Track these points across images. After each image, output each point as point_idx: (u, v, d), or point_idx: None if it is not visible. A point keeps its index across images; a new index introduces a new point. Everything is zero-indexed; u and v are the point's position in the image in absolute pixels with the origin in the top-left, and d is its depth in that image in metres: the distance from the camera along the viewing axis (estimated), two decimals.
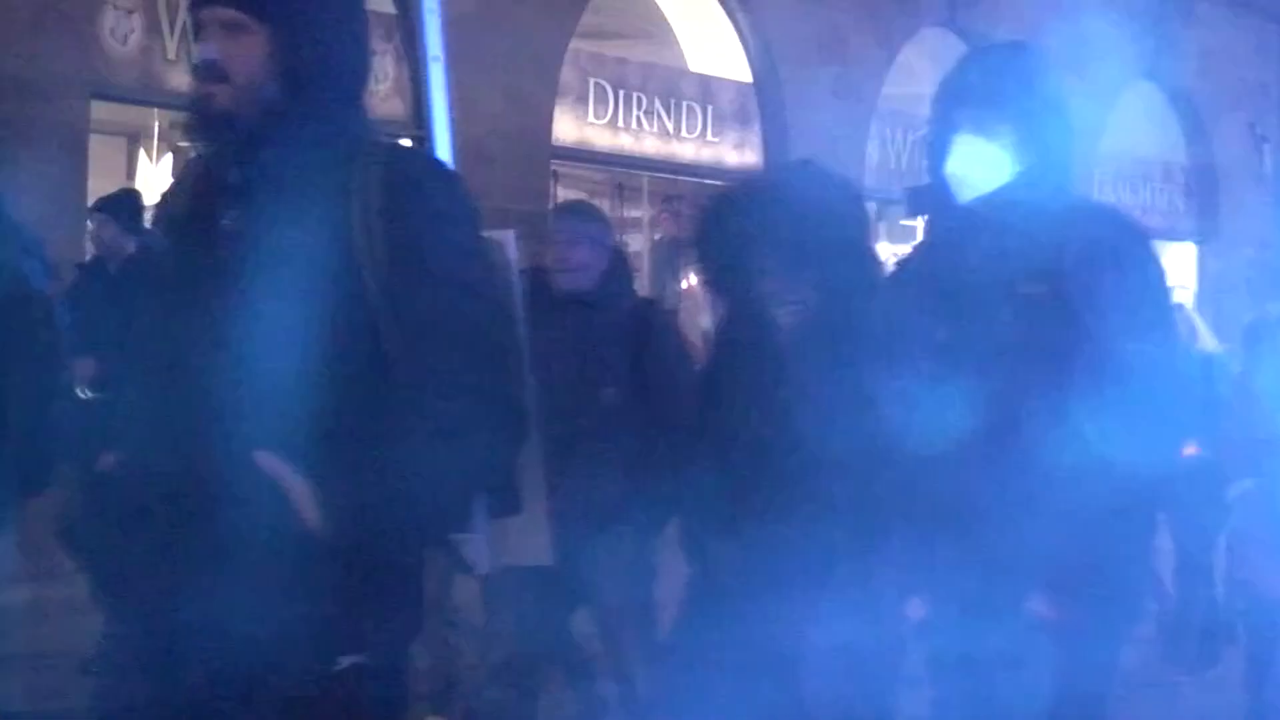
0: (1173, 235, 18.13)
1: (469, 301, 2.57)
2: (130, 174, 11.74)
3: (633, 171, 13.66)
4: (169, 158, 11.60)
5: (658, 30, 13.63)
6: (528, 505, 2.83)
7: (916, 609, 3.52)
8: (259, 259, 2.52)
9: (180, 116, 11.77)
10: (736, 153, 13.36)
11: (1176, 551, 8.18)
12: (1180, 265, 18.16)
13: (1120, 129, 17.09)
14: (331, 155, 2.58)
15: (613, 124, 12.87)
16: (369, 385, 2.53)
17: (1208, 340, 8.32)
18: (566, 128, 12.43)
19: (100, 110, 10.26)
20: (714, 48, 13.70)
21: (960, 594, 3.38)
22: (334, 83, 2.61)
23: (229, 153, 2.59)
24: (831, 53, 13.67)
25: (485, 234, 2.73)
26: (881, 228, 16.17)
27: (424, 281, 2.54)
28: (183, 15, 10.31)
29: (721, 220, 3.79)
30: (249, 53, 2.55)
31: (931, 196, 3.58)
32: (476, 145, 11.49)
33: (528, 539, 2.94)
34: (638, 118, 13.00)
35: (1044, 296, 3.32)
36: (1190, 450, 7.63)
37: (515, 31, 11.75)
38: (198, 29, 2.59)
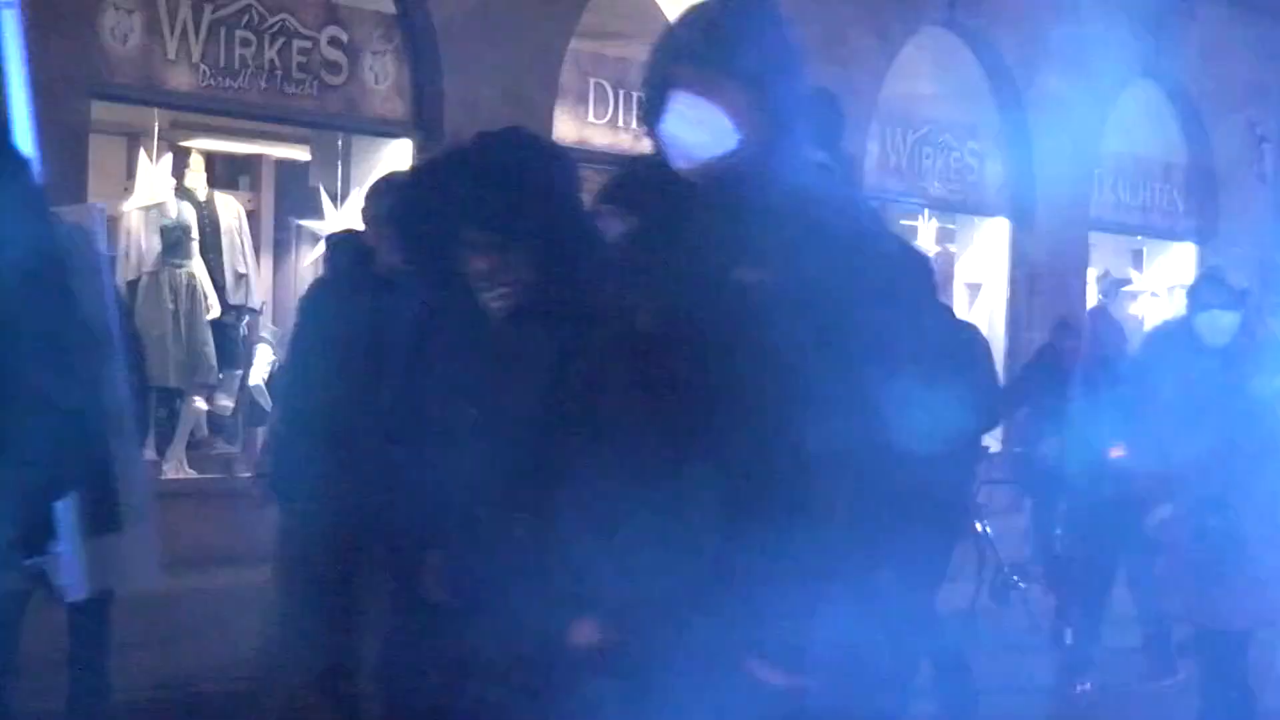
0: (1173, 235, 18.12)
1: (25, 289, 2.23)
2: (130, 174, 11.74)
3: None
4: (169, 157, 11.59)
5: (658, 30, 13.58)
6: (133, 522, 2.45)
7: (586, 632, 2.94)
8: None
9: (180, 116, 11.72)
10: None
11: (1126, 568, 8.07)
12: (1180, 265, 18.16)
13: (1120, 129, 17.08)
14: None
15: (613, 124, 12.86)
16: None
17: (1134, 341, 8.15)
18: (566, 128, 12.42)
19: (100, 110, 10.25)
20: None
21: (649, 626, 2.81)
22: None
23: None
24: (831, 53, 13.65)
25: (63, 211, 2.37)
26: None
27: None
28: (183, 15, 10.32)
29: (424, 195, 3.37)
30: None
31: (651, 164, 3.05)
32: None
33: (133, 559, 2.56)
34: (638, 117, 13.00)
35: (763, 286, 2.83)
36: (1117, 452, 7.41)
37: (515, 31, 11.75)
38: None
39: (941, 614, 6.88)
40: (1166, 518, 5.95)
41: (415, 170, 3.35)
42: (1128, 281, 17.84)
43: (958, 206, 16.01)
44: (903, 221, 16.17)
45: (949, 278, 16.37)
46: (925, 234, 15.88)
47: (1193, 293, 6.11)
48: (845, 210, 2.98)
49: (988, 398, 7.16)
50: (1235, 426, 5.68)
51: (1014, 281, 15.88)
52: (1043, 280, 15.54)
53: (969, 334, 6.93)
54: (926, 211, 15.86)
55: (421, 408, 3.35)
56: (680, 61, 3.01)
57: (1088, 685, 7.83)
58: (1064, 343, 8.94)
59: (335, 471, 4.68)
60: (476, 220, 3.24)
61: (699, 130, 2.94)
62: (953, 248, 16.46)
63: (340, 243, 5.86)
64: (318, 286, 5.52)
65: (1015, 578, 9.45)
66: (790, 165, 2.97)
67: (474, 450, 3.19)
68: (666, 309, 2.91)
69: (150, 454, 11.24)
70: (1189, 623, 6.03)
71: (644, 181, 3.18)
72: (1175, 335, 6.18)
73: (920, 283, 3.70)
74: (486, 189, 3.25)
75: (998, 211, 15.99)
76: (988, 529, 9.21)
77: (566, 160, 3.45)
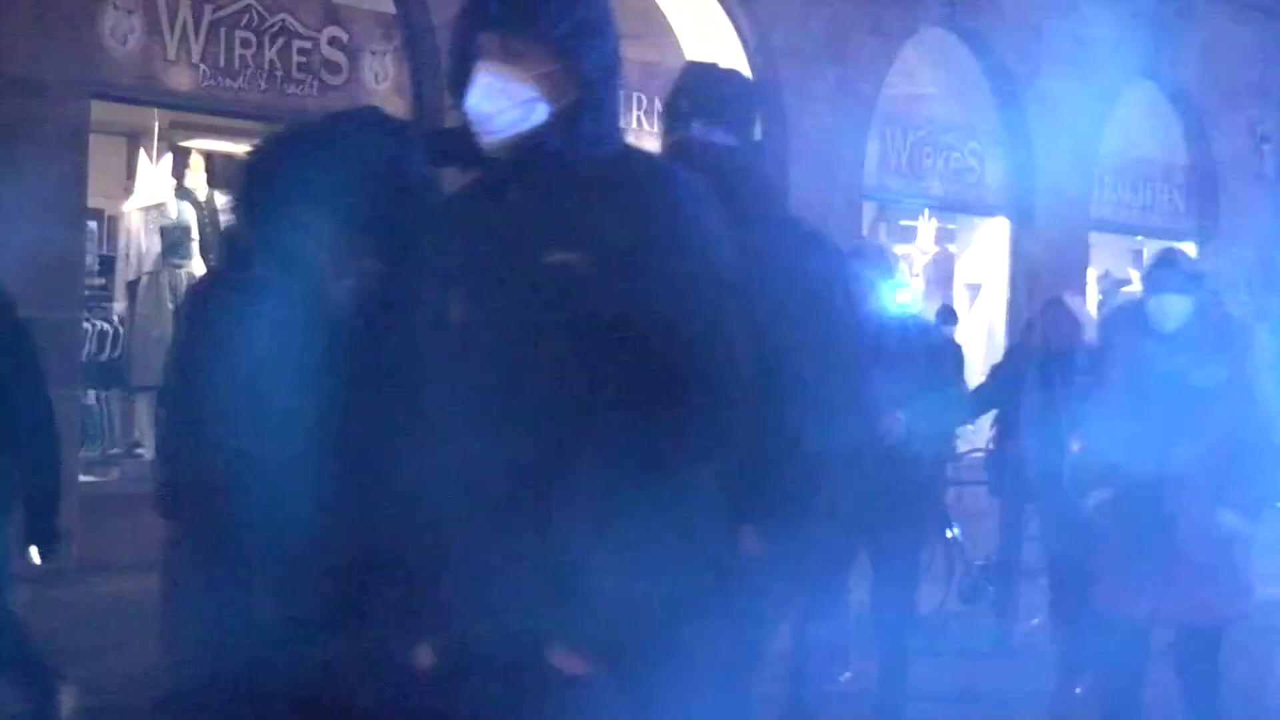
0: (1173, 235, 18.11)
1: None
2: (130, 174, 11.74)
3: None
4: (169, 158, 11.60)
5: (658, 30, 13.61)
6: None
7: (424, 657, 2.77)
8: None
9: (180, 116, 11.69)
10: None
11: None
12: None
13: (1120, 129, 17.08)
14: None
15: None
16: None
17: (1091, 332, 7.96)
18: None
19: (100, 110, 10.25)
20: (714, 48, 13.68)
21: (472, 640, 2.69)
22: None
23: None
24: (831, 53, 13.65)
25: None
26: (882, 228, 16.19)
27: None
28: (183, 15, 10.33)
29: (268, 175, 3.09)
30: None
31: (455, 141, 2.89)
32: None
33: None
34: (638, 118, 12.98)
35: (579, 268, 2.68)
36: (1076, 446, 7.22)
37: None
38: None
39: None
40: (1102, 502, 5.79)
41: (257, 150, 3.15)
42: (1128, 281, 17.84)
43: (958, 206, 16.01)
44: (903, 221, 16.19)
45: (949, 277, 16.39)
46: (925, 234, 15.89)
47: (1147, 276, 5.94)
48: (683, 187, 2.81)
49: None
50: (1176, 412, 5.52)
51: (1014, 281, 15.89)
52: (1043, 280, 15.52)
53: (907, 335, 6.42)
54: (926, 211, 15.86)
55: (272, 408, 3.05)
56: (485, 29, 2.79)
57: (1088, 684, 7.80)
58: (1032, 341, 8.83)
59: (211, 482, 4.56)
60: (320, 206, 2.99)
61: (505, 104, 2.77)
62: (953, 248, 16.46)
63: (226, 234, 5.67)
64: (199, 283, 5.36)
65: (984, 581, 9.37)
66: (606, 138, 2.81)
67: (321, 453, 2.94)
68: (475, 296, 2.73)
69: (150, 453, 11.26)
70: (1114, 613, 5.75)
71: (450, 159, 3.00)
72: (1130, 318, 6.01)
73: (806, 270, 3.49)
74: (331, 172, 2.99)
75: (998, 211, 16.00)
76: (956, 531, 9.17)
77: (416, 142, 3.14)
